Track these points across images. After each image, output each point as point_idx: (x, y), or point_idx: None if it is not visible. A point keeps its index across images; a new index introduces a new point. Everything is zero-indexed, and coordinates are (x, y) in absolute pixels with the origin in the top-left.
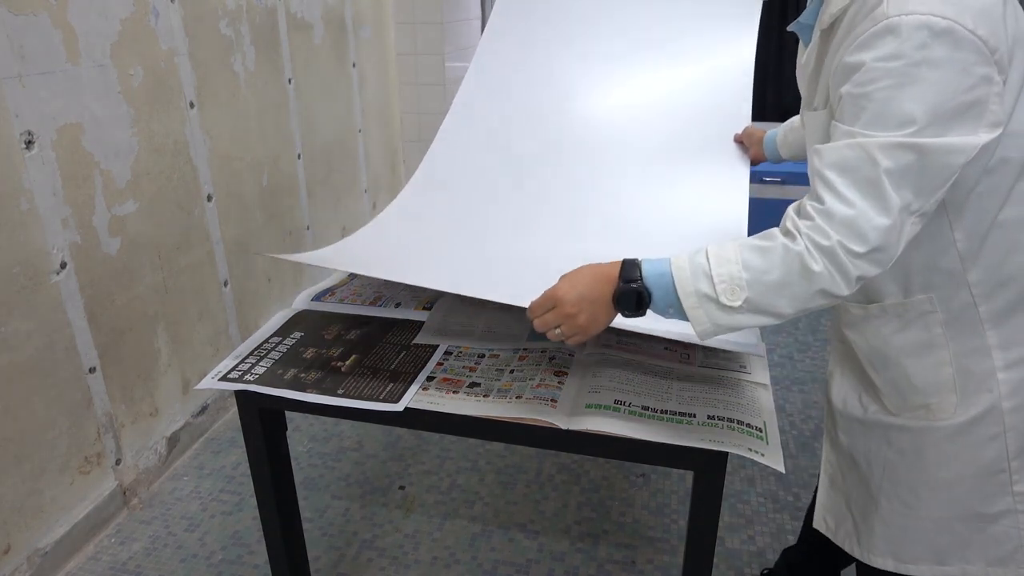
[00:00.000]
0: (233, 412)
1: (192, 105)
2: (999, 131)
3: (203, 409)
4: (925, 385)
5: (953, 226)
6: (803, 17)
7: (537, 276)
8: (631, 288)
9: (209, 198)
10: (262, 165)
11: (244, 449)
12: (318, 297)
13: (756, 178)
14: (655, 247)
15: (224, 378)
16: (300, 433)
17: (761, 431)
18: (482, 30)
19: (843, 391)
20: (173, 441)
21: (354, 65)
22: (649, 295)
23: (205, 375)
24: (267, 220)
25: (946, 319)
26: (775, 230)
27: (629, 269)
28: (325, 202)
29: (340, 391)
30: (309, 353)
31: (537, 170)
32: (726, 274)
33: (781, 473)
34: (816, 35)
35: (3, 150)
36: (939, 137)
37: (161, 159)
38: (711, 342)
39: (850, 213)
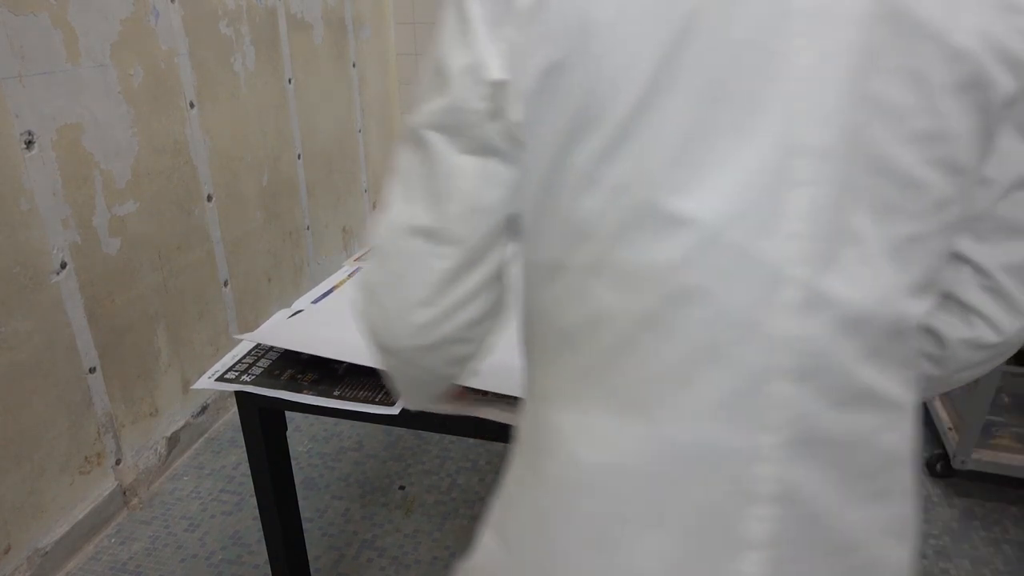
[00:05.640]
0: (233, 412)
1: (192, 105)
2: None
3: (203, 409)
4: None
5: None
6: None
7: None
8: None
9: (209, 198)
10: (262, 165)
11: (244, 449)
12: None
13: None
14: None
15: (221, 378)
16: (300, 433)
17: None
18: None
19: None
20: (173, 441)
21: (354, 65)
22: None
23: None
24: (267, 220)
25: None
26: None
27: None
28: (325, 202)
29: (336, 392)
30: (307, 354)
31: None
32: None
33: None
34: None
35: (3, 150)
36: None
37: (161, 159)
38: None
39: None
